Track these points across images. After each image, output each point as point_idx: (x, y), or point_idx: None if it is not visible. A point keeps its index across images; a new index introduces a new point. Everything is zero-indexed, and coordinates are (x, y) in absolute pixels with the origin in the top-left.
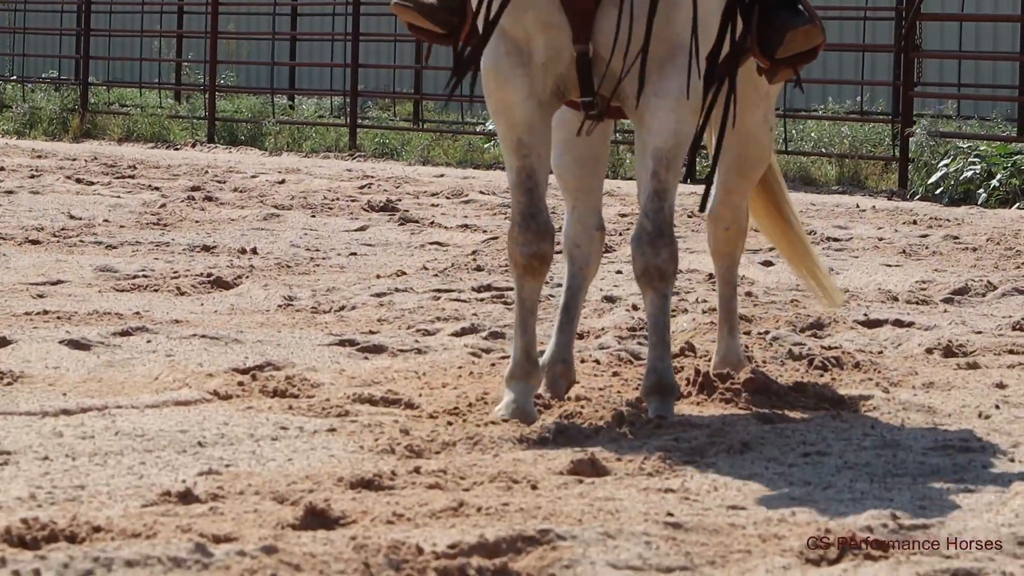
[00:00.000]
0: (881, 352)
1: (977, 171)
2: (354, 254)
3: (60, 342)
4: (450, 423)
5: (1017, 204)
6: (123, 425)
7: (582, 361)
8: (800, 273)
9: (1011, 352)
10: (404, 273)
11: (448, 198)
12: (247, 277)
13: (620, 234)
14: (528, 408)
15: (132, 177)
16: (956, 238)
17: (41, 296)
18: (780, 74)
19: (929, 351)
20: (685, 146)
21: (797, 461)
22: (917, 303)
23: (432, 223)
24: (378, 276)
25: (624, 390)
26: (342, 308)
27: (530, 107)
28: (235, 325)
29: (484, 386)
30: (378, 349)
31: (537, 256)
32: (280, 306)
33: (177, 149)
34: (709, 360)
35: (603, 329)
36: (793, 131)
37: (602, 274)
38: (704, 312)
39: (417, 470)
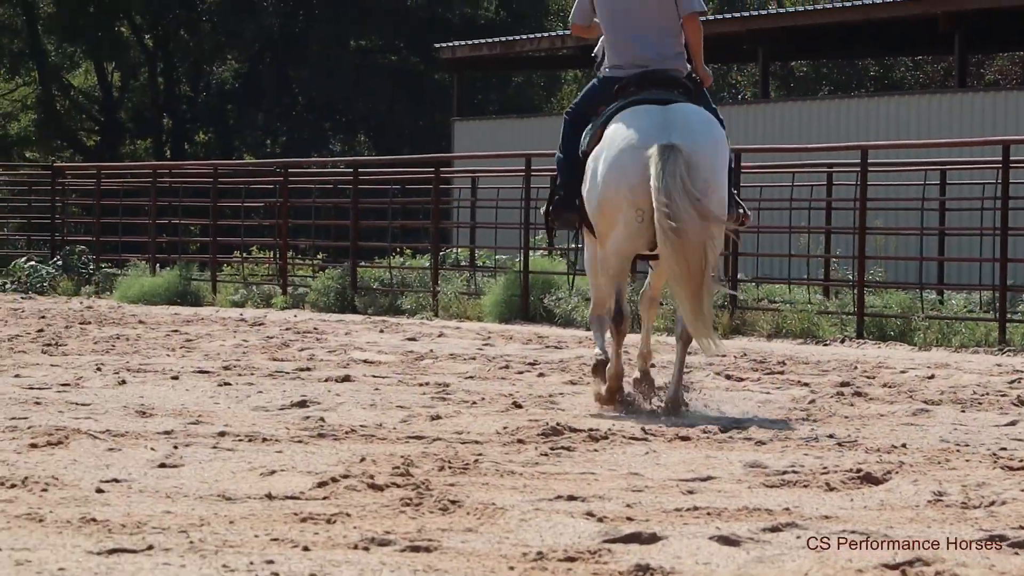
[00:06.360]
0: None
1: None
2: (1004, 449)
3: (709, 538)
4: None
5: None
6: None
7: None
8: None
9: None
10: None
11: None
12: (896, 472)
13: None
14: None
15: (781, 373)
16: None
17: (691, 492)
18: None
19: None
20: None
21: None
22: None
23: None
24: None
25: None
26: (992, 504)
27: None
28: (884, 520)
29: None
30: None
31: None
32: (930, 502)
33: (826, 345)
34: None
35: None
36: None
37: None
38: None
39: None
